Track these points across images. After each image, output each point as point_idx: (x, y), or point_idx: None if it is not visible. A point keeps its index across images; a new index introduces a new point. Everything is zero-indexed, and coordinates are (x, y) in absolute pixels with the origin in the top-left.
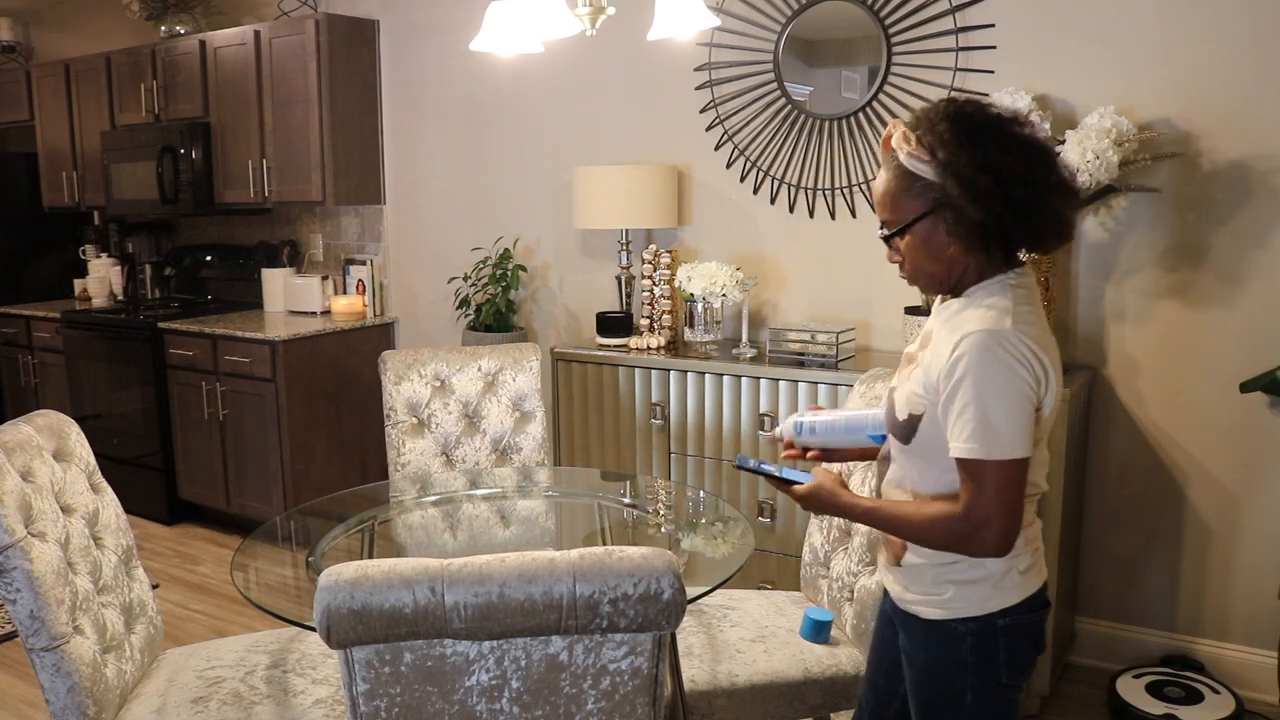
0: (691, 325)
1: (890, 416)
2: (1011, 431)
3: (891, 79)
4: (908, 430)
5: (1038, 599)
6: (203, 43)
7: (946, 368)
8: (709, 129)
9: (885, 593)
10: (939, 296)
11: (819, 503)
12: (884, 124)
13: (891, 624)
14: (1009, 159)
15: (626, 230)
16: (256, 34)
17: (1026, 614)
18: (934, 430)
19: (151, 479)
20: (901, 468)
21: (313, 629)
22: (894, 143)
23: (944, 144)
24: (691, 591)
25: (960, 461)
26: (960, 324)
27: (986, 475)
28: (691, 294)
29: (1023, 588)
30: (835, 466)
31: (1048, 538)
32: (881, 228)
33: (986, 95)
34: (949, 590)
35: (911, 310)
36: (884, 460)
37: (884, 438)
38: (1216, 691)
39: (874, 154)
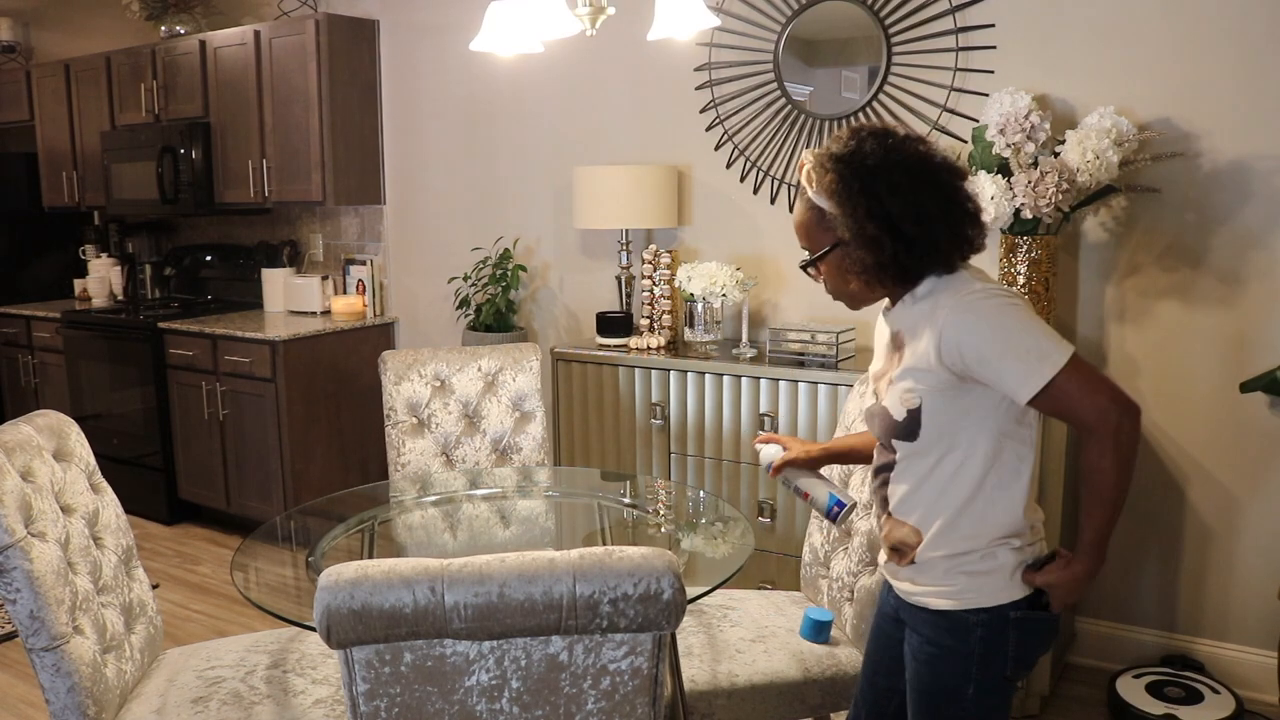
0: (691, 325)
1: (886, 424)
2: (1045, 344)
3: (891, 79)
4: (911, 426)
5: (1033, 595)
6: (203, 43)
7: (947, 348)
8: (709, 129)
9: (887, 589)
10: (883, 309)
11: (1065, 598)
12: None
13: (894, 620)
14: (897, 201)
15: (626, 230)
16: (256, 34)
17: (1037, 608)
18: (940, 410)
19: (151, 479)
20: (908, 463)
21: (313, 629)
22: (802, 178)
23: (833, 192)
24: (691, 591)
25: (1039, 401)
26: (934, 312)
27: (1064, 390)
28: (691, 294)
29: (1017, 581)
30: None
31: (1049, 538)
32: (802, 260)
33: (891, 123)
34: (960, 581)
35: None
36: (881, 469)
37: (842, 504)
38: (1216, 691)
39: None
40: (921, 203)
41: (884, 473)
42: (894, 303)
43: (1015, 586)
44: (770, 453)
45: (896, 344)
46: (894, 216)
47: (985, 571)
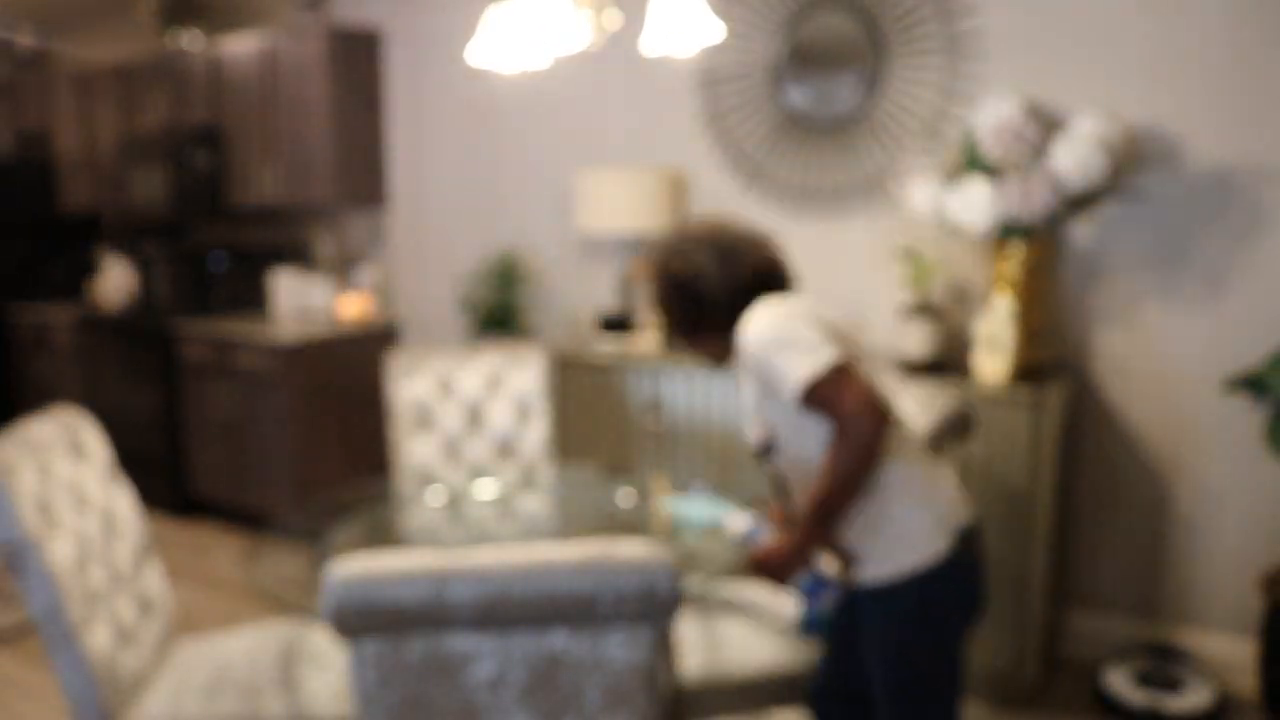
0: None
1: (756, 450)
2: (810, 345)
3: (886, 84)
4: (770, 446)
5: (958, 547)
6: (214, 52)
7: (752, 371)
8: (708, 132)
9: (842, 603)
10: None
11: (771, 567)
12: (879, 128)
13: (850, 627)
14: (710, 287)
15: (627, 232)
16: (266, 43)
17: (952, 561)
18: (779, 421)
19: (164, 476)
20: (788, 472)
21: (322, 621)
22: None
23: (657, 287)
24: (689, 587)
25: (803, 402)
26: (741, 345)
27: (825, 394)
28: None
29: (937, 537)
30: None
31: (1037, 533)
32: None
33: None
34: (886, 558)
35: (905, 312)
36: (780, 490)
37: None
38: (1200, 679)
39: (870, 158)
40: (734, 281)
41: (780, 494)
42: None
43: (928, 545)
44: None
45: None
46: (703, 296)
47: (898, 537)
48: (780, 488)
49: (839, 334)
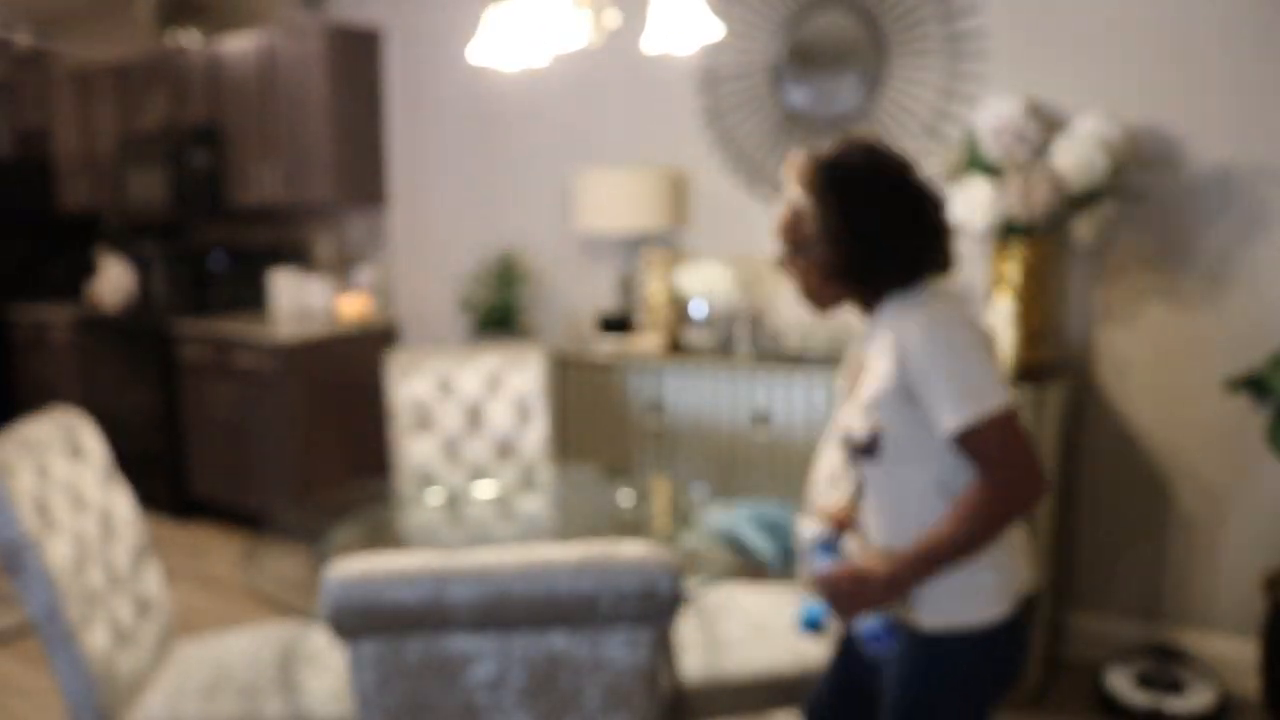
0: (690, 326)
1: (851, 444)
2: (986, 383)
3: (887, 84)
4: (871, 445)
5: (1015, 614)
6: (213, 50)
7: (901, 366)
8: (708, 132)
9: (849, 633)
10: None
11: (845, 595)
12: (880, 128)
13: (852, 659)
14: (869, 207)
15: (627, 232)
16: (265, 42)
17: (1006, 628)
18: (898, 429)
19: (163, 476)
20: (883, 485)
21: (321, 622)
22: (785, 175)
23: (812, 190)
24: (689, 587)
25: (959, 441)
26: (896, 331)
27: (986, 443)
28: (691, 295)
29: (1000, 599)
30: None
31: (1038, 534)
32: (781, 255)
33: (878, 140)
34: (938, 609)
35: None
36: (857, 495)
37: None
38: (1202, 681)
39: None
40: (891, 214)
41: (857, 498)
42: (865, 321)
43: (982, 606)
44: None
45: (862, 367)
46: (862, 221)
47: (952, 592)
48: (858, 493)
49: (1002, 367)
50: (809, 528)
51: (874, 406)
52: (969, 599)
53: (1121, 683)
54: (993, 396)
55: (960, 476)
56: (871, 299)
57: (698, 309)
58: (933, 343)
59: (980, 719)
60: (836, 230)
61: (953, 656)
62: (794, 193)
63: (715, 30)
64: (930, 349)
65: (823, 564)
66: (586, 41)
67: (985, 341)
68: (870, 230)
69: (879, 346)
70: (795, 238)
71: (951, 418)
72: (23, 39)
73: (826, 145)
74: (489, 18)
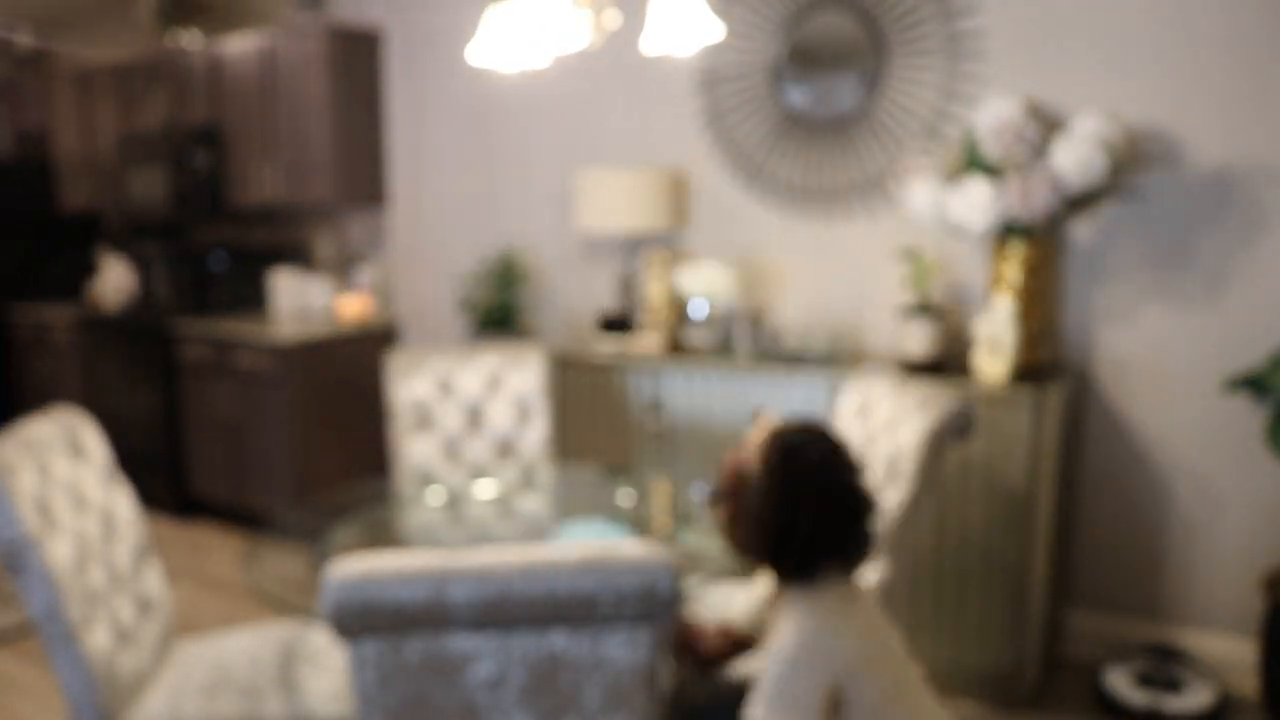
0: (691, 326)
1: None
2: (782, 708)
3: (886, 85)
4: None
5: None
6: (214, 51)
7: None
8: (708, 133)
9: None
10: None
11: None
12: (879, 128)
13: None
14: (805, 514)
15: (627, 232)
16: (265, 43)
17: None
18: None
19: (163, 476)
20: None
21: (321, 622)
22: (753, 437)
23: (765, 472)
24: (689, 587)
25: None
26: (779, 628)
27: None
28: (691, 295)
29: None
30: None
31: (1037, 533)
32: (713, 491)
33: (835, 436)
34: None
35: (905, 312)
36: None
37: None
38: (1200, 680)
39: (871, 158)
40: (820, 522)
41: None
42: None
43: None
44: None
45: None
46: (795, 523)
47: None
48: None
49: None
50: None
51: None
52: None
53: (1120, 682)
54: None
55: None
56: (779, 577)
57: (697, 309)
58: (781, 650)
59: None
60: (773, 519)
61: None
62: (751, 453)
63: (715, 31)
64: (776, 654)
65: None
66: (586, 42)
67: (820, 666)
68: (798, 533)
69: (775, 635)
70: (733, 490)
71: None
72: (23, 39)
73: (791, 430)
74: (489, 18)
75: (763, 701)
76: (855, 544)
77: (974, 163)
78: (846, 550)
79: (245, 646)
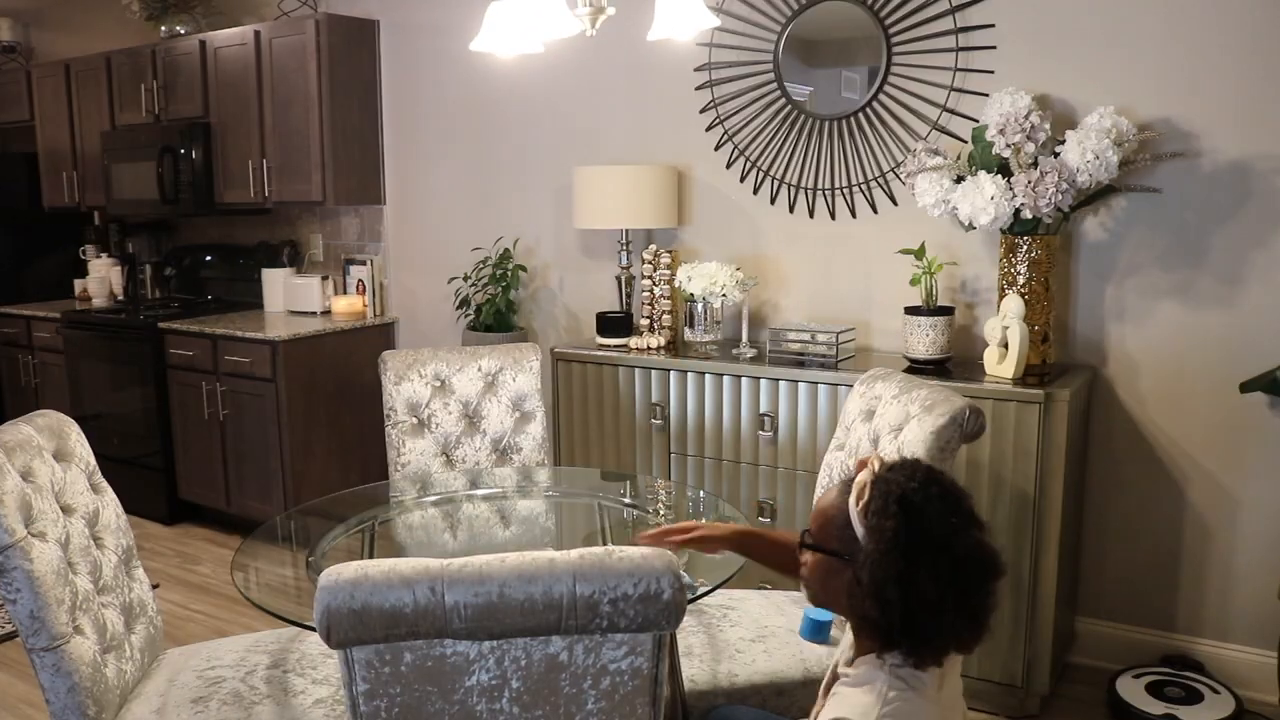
0: (691, 325)
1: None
2: None
3: (891, 79)
4: None
5: None
6: (203, 43)
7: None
8: (709, 129)
9: None
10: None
11: None
12: (884, 124)
13: None
14: (931, 585)
15: (626, 230)
16: (256, 34)
17: None
18: None
19: (152, 479)
20: None
21: (313, 629)
22: (856, 481)
23: (881, 535)
24: (691, 592)
25: None
26: (839, 699)
27: None
28: (691, 294)
29: None
30: None
31: (1048, 537)
32: (806, 532)
33: (952, 477)
34: None
35: (911, 310)
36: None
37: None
38: (1216, 691)
39: (874, 154)
40: (945, 597)
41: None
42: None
43: None
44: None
45: (826, 690)
46: (916, 595)
47: None
48: None
49: None
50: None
51: None
52: None
53: (1134, 691)
54: None
55: None
56: (888, 646)
57: (698, 308)
58: None
59: None
60: (883, 588)
61: None
62: (854, 509)
63: (713, 19)
64: None
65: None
66: (584, 26)
67: None
68: (916, 604)
69: (832, 702)
70: (834, 543)
71: None
72: (6, 31)
73: (907, 472)
74: (489, 16)
75: None
76: (982, 615)
77: (982, 159)
78: (974, 622)
79: (235, 655)
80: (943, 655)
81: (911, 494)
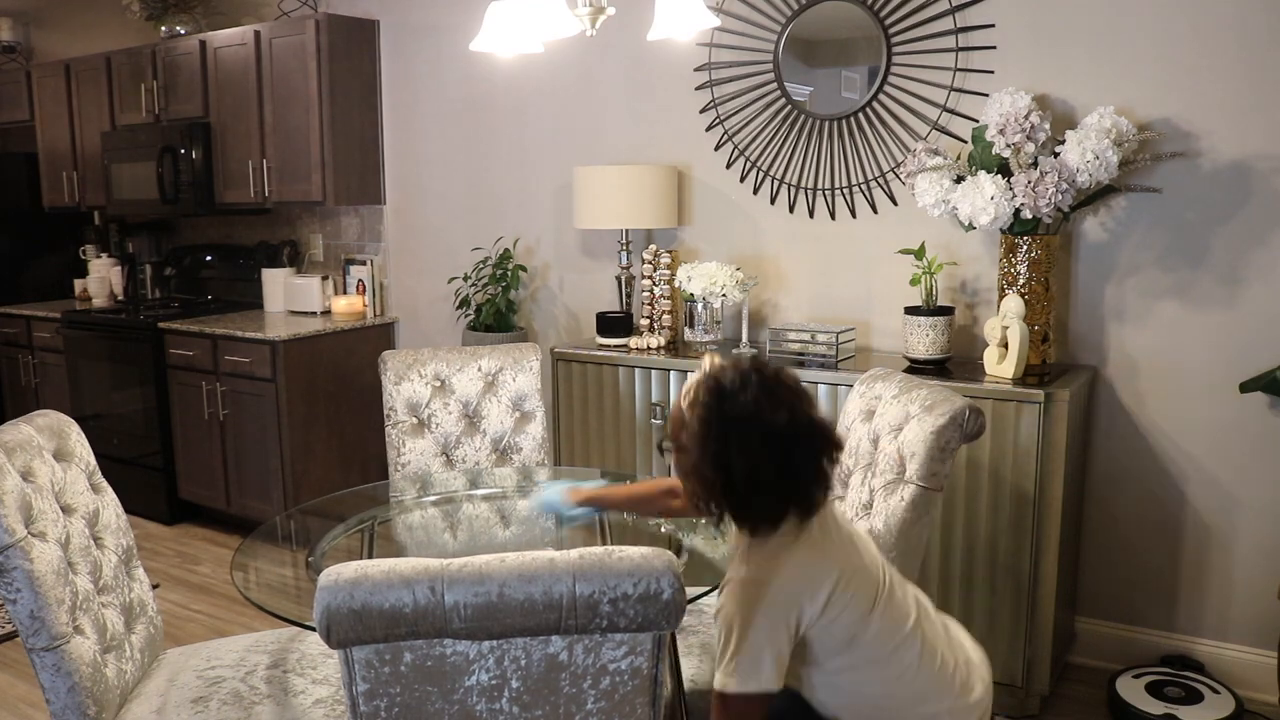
0: (691, 325)
1: None
2: (755, 657)
3: (891, 79)
4: None
5: None
6: (203, 43)
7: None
8: (709, 129)
9: None
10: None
11: None
12: (884, 124)
13: None
14: (741, 460)
15: (626, 230)
16: (256, 34)
17: None
18: None
19: (152, 479)
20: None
21: (313, 629)
22: (687, 381)
23: (697, 419)
24: (691, 591)
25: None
26: (733, 575)
27: (724, 709)
28: (691, 294)
29: None
30: None
31: (1047, 537)
32: (664, 438)
33: (774, 370)
34: None
35: (911, 310)
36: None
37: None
38: (1216, 691)
39: (874, 154)
40: (760, 468)
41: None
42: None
43: None
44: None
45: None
46: (732, 471)
47: None
48: None
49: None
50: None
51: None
52: None
53: (1134, 691)
54: (756, 675)
55: (855, 662)
56: (738, 524)
57: (699, 308)
58: (734, 599)
59: None
60: (704, 469)
61: None
62: (686, 405)
63: (712, 19)
64: (729, 603)
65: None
66: (584, 26)
67: (782, 611)
68: (735, 479)
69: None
70: (676, 437)
71: (716, 677)
72: (6, 31)
73: (727, 372)
74: (491, 14)
75: (728, 662)
76: (810, 482)
77: (982, 159)
78: (801, 489)
79: (235, 655)
80: (779, 522)
81: (725, 380)
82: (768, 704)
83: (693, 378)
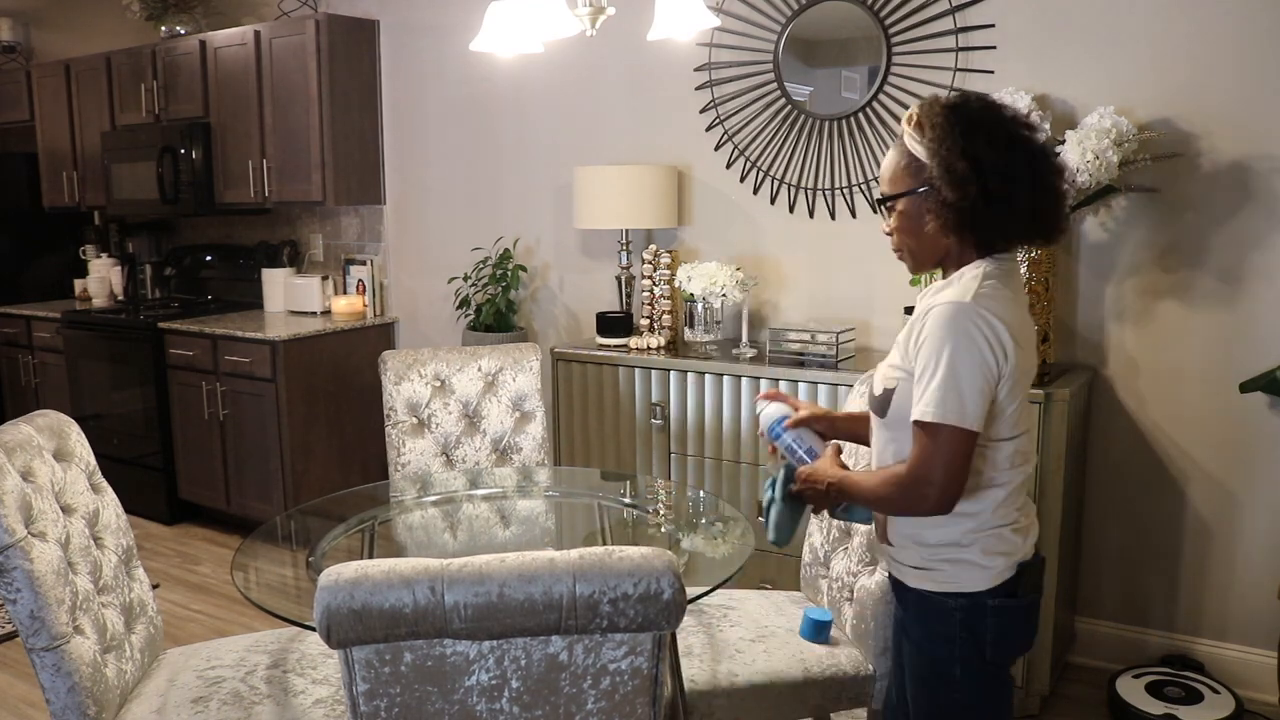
0: (691, 325)
1: (869, 397)
2: (968, 402)
3: (891, 79)
4: (883, 404)
5: (1028, 581)
6: (203, 43)
7: (914, 339)
8: (709, 129)
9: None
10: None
11: (814, 477)
12: (884, 124)
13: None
14: (992, 152)
15: (626, 230)
16: (256, 34)
17: (1015, 597)
18: (905, 404)
19: (152, 479)
20: (881, 441)
21: (313, 629)
22: (903, 123)
23: (935, 129)
24: (691, 591)
25: (916, 424)
26: (932, 300)
27: (937, 437)
28: (691, 294)
29: (1010, 570)
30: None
31: (1048, 538)
32: (881, 196)
33: (995, 96)
34: (937, 566)
35: (911, 310)
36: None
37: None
38: (1216, 691)
39: (874, 154)
40: (1013, 163)
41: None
42: (942, 275)
43: (988, 575)
44: (774, 411)
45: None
46: (983, 164)
47: (960, 560)
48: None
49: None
50: (769, 408)
51: (896, 366)
52: (970, 568)
53: (1134, 691)
54: (963, 415)
55: None
56: (972, 253)
57: (698, 308)
58: (943, 336)
59: (992, 678)
60: (955, 166)
61: (959, 616)
62: (909, 137)
63: (712, 19)
64: (939, 340)
65: (781, 440)
66: (584, 26)
67: (992, 354)
68: (989, 173)
69: (922, 309)
70: (908, 182)
71: (921, 409)
72: (6, 31)
73: (939, 97)
74: (491, 14)
75: (938, 389)
76: (1056, 199)
77: None
78: (1051, 208)
79: (235, 655)
80: (1020, 238)
81: (954, 96)
82: (972, 443)
83: (908, 113)
